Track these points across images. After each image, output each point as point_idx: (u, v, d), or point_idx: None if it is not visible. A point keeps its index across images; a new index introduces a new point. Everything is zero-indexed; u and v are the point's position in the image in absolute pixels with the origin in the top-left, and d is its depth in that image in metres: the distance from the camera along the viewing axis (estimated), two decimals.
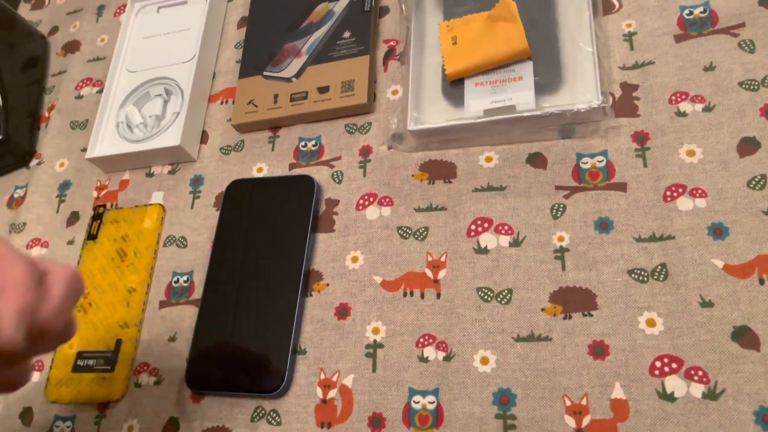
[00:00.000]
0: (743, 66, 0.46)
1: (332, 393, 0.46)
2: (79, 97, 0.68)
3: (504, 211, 0.48)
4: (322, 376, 0.47)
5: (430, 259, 0.48)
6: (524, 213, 0.47)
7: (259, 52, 0.60)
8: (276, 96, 0.57)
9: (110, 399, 0.51)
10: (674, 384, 0.39)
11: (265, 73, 0.59)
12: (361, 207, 0.51)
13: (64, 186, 0.63)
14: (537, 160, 0.49)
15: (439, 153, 0.51)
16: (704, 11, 0.49)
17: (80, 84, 0.68)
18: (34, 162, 0.66)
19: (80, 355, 0.53)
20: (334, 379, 0.46)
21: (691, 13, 0.49)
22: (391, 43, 0.58)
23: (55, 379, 0.53)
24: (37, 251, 0.60)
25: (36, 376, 0.54)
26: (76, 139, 0.65)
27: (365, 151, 0.54)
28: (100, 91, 0.67)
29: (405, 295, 0.47)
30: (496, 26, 0.51)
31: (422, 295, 0.47)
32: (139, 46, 0.65)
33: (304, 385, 0.47)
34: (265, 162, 0.56)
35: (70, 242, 0.59)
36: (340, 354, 0.47)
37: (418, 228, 0.49)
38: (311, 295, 0.50)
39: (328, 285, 0.50)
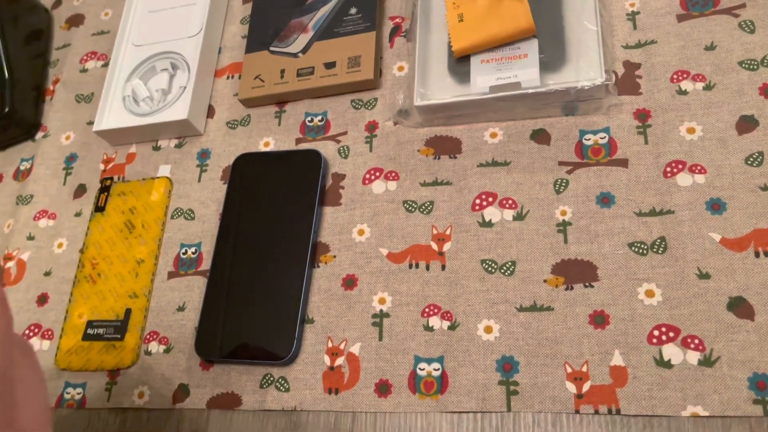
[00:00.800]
0: (743, 46, 0.48)
1: (339, 360, 0.47)
2: (84, 70, 0.68)
3: (508, 185, 0.49)
4: (330, 345, 0.48)
5: (435, 232, 0.49)
6: (528, 188, 0.48)
7: (266, 28, 0.61)
8: (282, 71, 0.58)
9: (120, 366, 0.52)
10: (671, 352, 0.41)
11: (271, 49, 0.59)
12: (367, 181, 0.52)
13: (71, 159, 0.63)
14: (541, 137, 0.50)
15: (445, 129, 0.52)
16: None
17: (85, 58, 0.69)
18: (39, 135, 0.66)
19: (90, 324, 0.54)
20: (342, 347, 0.48)
21: None
22: (397, 19, 0.58)
23: (65, 347, 0.54)
24: (44, 222, 0.61)
25: (46, 345, 0.55)
26: (81, 113, 0.66)
27: (371, 127, 0.55)
28: (105, 65, 0.67)
29: (410, 266, 0.49)
30: (502, 4, 0.51)
31: (427, 267, 0.48)
32: (145, 20, 0.65)
33: (311, 353, 0.48)
34: (272, 136, 0.57)
35: (78, 214, 0.60)
36: (347, 323, 0.48)
37: (423, 202, 0.50)
38: (318, 266, 0.51)
39: (335, 257, 0.51)
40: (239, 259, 0.52)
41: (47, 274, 0.58)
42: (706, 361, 0.40)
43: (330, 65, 0.56)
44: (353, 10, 0.58)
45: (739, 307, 0.41)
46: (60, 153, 0.64)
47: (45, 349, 0.55)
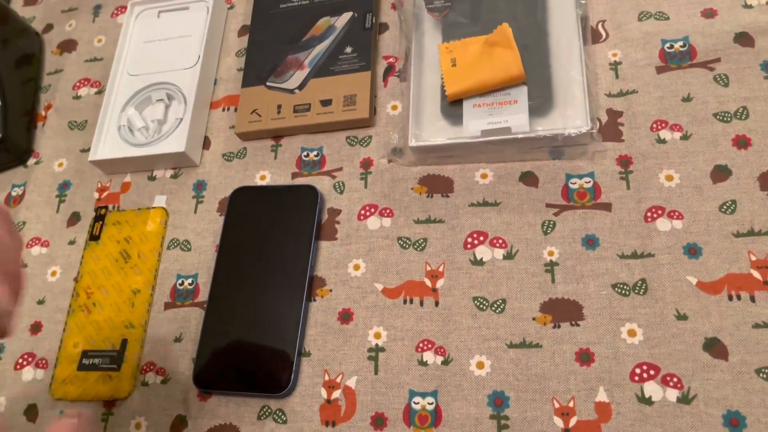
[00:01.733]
0: (717, 98, 0.51)
1: (336, 393, 0.49)
2: (77, 97, 0.68)
3: (498, 225, 0.51)
4: (326, 378, 0.50)
5: (428, 268, 0.51)
6: (517, 228, 0.51)
7: (262, 63, 0.62)
8: (279, 107, 0.59)
9: (117, 397, 0.53)
10: (652, 389, 0.44)
11: (268, 84, 0.61)
12: (362, 217, 0.54)
13: (64, 186, 0.64)
14: (529, 179, 0.52)
15: (437, 168, 0.55)
16: (684, 45, 0.53)
17: (77, 84, 0.69)
18: (32, 161, 0.66)
19: (85, 354, 0.55)
20: (338, 380, 0.49)
21: (672, 46, 0.54)
22: (391, 59, 0.61)
23: (60, 377, 0.55)
24: (37, 250, 0.61)
25: (40, 374, 0.56)
26: (74, 140, 0.66)
27: (366, 163, 0.57)
28: (99, 92, 0.68)
29: (405, 302, 0.51)
30: (494, 51, 0.54)
31: (421, 303, 0.50)
32: (140, 50, 0.66)
33: (309, 386, 0.50)
34: (268, 170, 0.59)
35: (72, 242, 0.61)
36: (344, 357, 0.50)
37: (417, 239, 0.52)
38: (315, 300, 0.52)
39: (331, 291, 0.52)
40: (237, 291, 0.53)
41: (40, 302, 0.59)
42: (684, 399, 0.43)
43: (326, 103, 0.58)
44: (348, 49, 0.60)
45: (714, 347, 0.44)
46: (53, 180, 0.65)
47: (39, 379, 0.56)
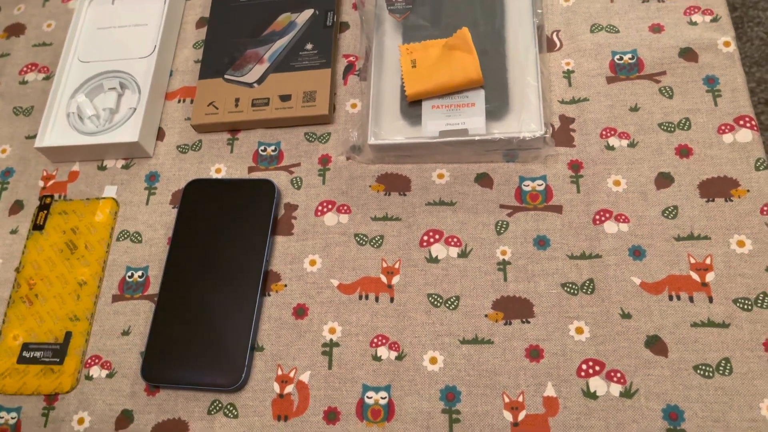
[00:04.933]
0: (663, 109, 0.54)
1: (289, 388, 0.49)
2: (24, 82, 0.66)
3: (453, 224, 0.52)
4: (279, 372, 0.49)
5: (384, 265, 0.52)
6: (471, 227, 0.52)
7: (220, 55, 0.62)
8: (237, 100, 0.59)
9: (59, 391, 0.51)
10: (597, 384, 0.46)
11: (226, 77, 0.60)
12: (319, 213, 0.55)
13: (6, 173, 0.62)
14: (484, 180, 0.54)
15: (395, 167, 0.55)
16: (632, 58, 0.56)
17: (24, 69, 0.67)
18: None
19: (26, 346, 0.53)
20: (291, 375, 0.49)
21: (621, 58, 0.56)
22: (351, 58, 0.61)
23: None
24: None
25: None
26: (19, 126, 0.64)
27: (324, 160, 0.57)
28: (47, 78, 0.66)
29: (360, 298, 0.51)
30: (453, 54, 0.55)
31: (377, 299, 0.51)
32: (93, 37, 0.65)
33: (261, 381, 0.49)
34: (224, 163, 0.58)
35: (13, 231, 0.59)
36: (297, 351, 0.50)
37: (374, 236, 0.53)
38: (269, 295, 0.52)
39: (286, 286, 0.52)
40: (189, 284, 0.52)
41: None
42: (627, 393, 0.45)
43: (285, 98, 0.58)
44: (309, 46, 0.60)
45: (655, 345, 0.46)
46: None
47: None
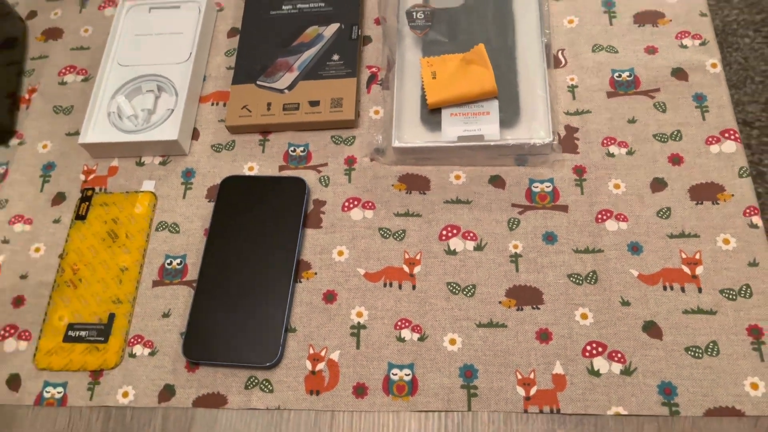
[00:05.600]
0: (657, 122, 0.60)
1: (320, 366, 0.53)
2: (63, 83, 0.70)
3: (469, 221, 0.58)
4: (311, 351, 0.54)
5: (407, 256, 0.57)
6: (486, 224, 0.57)
7: (252, 63, 0.67)
8: (269, 104, 0.64)
9: (104, 367, 0.55)
10: (600, 363, 0.51)
11: (258, 83, 0.65)
12: (346, 209, 0.60)
13: (48, 167, 0.66)
14: (497, 182, 0.59)
15: (416, 168, 0.61)
16: (630, 75, 0.62)
17: (63, 71, 0.71)
18: (14, 141, 0.68)
19: (71, 326, 0.57)
20: (322, 354, 0.54)
21: (620, 75, 0.62)
22: (373, 69, 0.67)
23: (44, 348, 0.56)
24: (20, 227, 0.63)
25: (23, 345, 0.57)
26: (59, 123, 0.68)
27: (350, 161, 0.62)
28: (85, 80, 0.70)
29: (385, 285, 0.56)
30: (470, 68, 0.61)
31: (400, 287, 0.56)
32: (131, 42, 0.69)
33: (294, 359, 0.54)
34: (256, 162, 0.63)
35: (56, 221, 0.63)
36: (328, 333, 0.55)
37: (396, 230, 0.58)
38: (301, 282, 0.57)
39: (316, 273, 0.57)
40: (227, 271, 0.57)
41: (23, 277, 0.60)
42: (626, 371, 0.51)
43: (314, 103, 0.63)
44: (336, 57, 0.66)
45: (651, 329, 0.52)
46: (37, 160, 0.66)
47: (22, 350, 0.57)
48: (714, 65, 0.61)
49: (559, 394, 0.50)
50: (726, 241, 0.54)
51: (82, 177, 0.65)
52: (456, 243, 0.57)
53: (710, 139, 0.58)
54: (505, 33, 0.64)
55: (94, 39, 0.73)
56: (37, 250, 0.61)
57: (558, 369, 0.51)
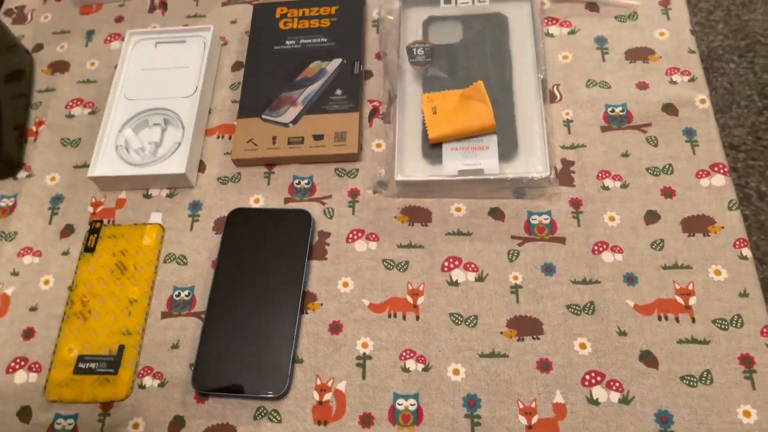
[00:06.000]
0: (649, 156, 0.62)
1: (327, 396, 0.55)
2: (70, 116, 0.72)
3: (471, 252, 0.60)
4: (318, 382, 0.55)
5: (410, 287, 0.59)
6: (487, 255, 0.59)
7: (257, 97, 0.69)
8: (274, 138, 0.66)
9: (115, 399, 0.56)
10: (599, 392, 0.53)
11: (263, 116, 0.67)
12: (350, 240, 0.61)
13: (57, 199, 0.67)
14: (497, 214, 0.61)
15: (417, 200, 0.63)
16: (623, 110, 0.65)
17: (70, 104, 0.73)
18: (22, 174, 0.69)
19: (81, 358, 0.58)
20: (329, 384, 0.55)
21: (613, 110, 0.65)
22: (375, 102, 0.69)
23: (55, 380, 0.57)
24: (29, 259, 0.64)
25: (33, 377, 0.58)
26: (67, 156, 0.69)
27: (353, 193, 0.64)
28: (92, 113, 0.72)
29: (389, 316, 0.58)
30: (470, 104, 0.63)
31: (404, 317, 0.57)
32: (137, 76, 0.71)
33: (302, 389, 0.55)
34: (262, 194, 0.65)
35: (65, 253, 0.64)
36: (334, 363, 0.56)
37: (400, 261, 0.60)
38: (307, 313, 0.58)
39: (321, 305, 0.59)
40: (235, 303, 0.58)
41: (33, 309, 0.61)
42: (624, 400, 0.52)
43: (318, 137, 0.65)
44: (338, 91, 0.68)
45: (648, 358, 0.54)
46: (45, 193, 0.67)
47: (32, 382, 0.58)
48: (702, 101, 0.64)
49: (560, 422, 0.52)
50: (717, 272, 0.56)
51: (90, 209, 0.66)
52: (458, 274, 0.59)
53: (700, 173, 0.61)
54: (502, 69, 0.66)
55: (100, 72, 0.75)
56: (47, 282, 0.62)
57: (558, 398, 0.53)
